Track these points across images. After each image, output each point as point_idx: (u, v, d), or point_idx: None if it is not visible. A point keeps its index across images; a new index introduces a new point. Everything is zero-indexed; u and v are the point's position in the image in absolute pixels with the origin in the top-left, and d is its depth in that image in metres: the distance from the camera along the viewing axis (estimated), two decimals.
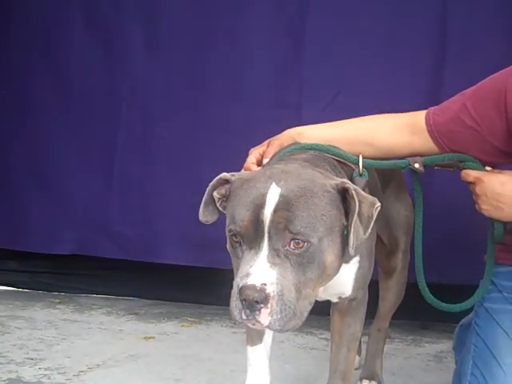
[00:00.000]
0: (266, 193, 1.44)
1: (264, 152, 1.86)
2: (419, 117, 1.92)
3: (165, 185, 3.30)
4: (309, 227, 1.43)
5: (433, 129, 1.89)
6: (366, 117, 2.00)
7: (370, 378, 2.27)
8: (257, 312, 1.37)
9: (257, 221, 1.42)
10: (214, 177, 3.15)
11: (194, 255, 3.28)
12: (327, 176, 1.57)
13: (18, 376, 2.23)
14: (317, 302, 1.55)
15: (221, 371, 2.39)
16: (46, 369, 2.32)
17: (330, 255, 1.48)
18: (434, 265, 3.14)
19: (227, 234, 1.49)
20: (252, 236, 1.42)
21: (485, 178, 1.80)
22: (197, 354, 2.63)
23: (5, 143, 3.54)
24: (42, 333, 2.83)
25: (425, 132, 1.89)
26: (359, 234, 1.50)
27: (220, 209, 1.61)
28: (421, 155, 1.89)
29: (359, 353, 2.56)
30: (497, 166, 1.89)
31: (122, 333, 2.93)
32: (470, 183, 1.84)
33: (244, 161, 1.88)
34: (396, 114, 1.98)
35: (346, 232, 1.51)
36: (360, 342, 2.56)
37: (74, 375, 2.27)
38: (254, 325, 1.41)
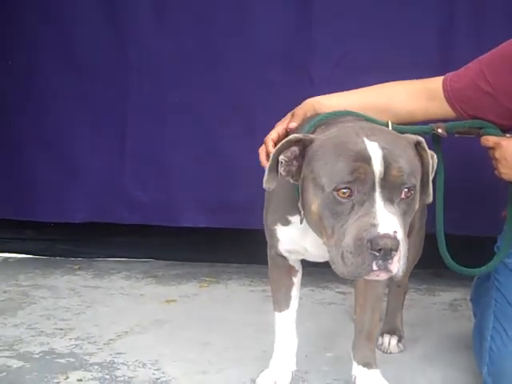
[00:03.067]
0: (366, 146, 1.48)
1: (289, 123, 1.89)
2: (436, 83, 1.96)
3: (178, 149, 3.30)
4: (413, 177, 1.50)
5: (450, 95, 1.92)
6: (382, 84, 2.03)
7: (392, 333, 2.34)
8: (389, 261, 1.43)
9: (369, 170, 1.45)
10: (228, 139, 3.18)
11: (210, 217, 3.31)
12: None
13: (51, 348, 2.29)
14: None
15: (246, 333, 2.46)
16: (76, 339, 2.38)
17: (418, 203, 1.57)
18: (449, 216, 3.21)
19: (326, 191, 1.48)
20: (366, 185, 1.45)
21: (504, 142, 1.86)
22: (219, 315, 2.70)
23: (14, 113, 3.51)
24: (66, 301, 2.89)
25: (442, 98, 1.93)
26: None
27: (283, 174, 1.59)
28: (437, 120, 1.94)
29: None
30: None
31: (143, 297, 2.99)
32: (490, 148, 1.89)
33: (265, 132, 1.90)
34: (411, 81, 2.02)
35: None
36: None
37: (105, 344, 2.33)
38: (378, 276, 1.46)
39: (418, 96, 1.97)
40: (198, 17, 3.20)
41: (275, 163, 1.58)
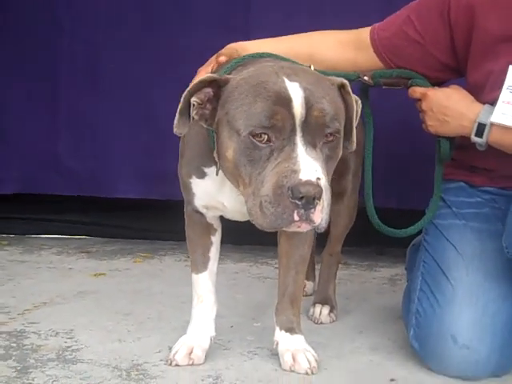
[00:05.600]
0: (286, 87, 1.37)
1: (213, 67, 1.78)
2: (364, 32, 1.89)
3: (114, 117, 3.20)
4: (337, 120, 1.41)
5: (377, 44, 1.86)
6: (310, 32, 1.95)
7: (323, 303, 2.24)
8: (312, 210, 1.33)
9: (288, 115, 1.35)
10: (164, 107, 3.07)
11: (146, 188, 3.23)
12: None
13: None
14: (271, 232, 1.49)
15: (171, 303, 2.34)
16: None
17: (341, 150, 1.47)
18: (392, 190, 3.13)
19: (242, 135, 1.37)
20: (285, 131, 1.35)
21: (430, 92, 1.80)
22: (148, 288, 2.58)
23: None
24: None
25: (369, 48, 1.86)
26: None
27: (195, 117, 1.47)
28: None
29: (313, 279, 2.54)
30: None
31: (71, 271, 2.85)
32: (417, 100, 1.82)
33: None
34: (341, 31, 1.94)
35: None
36: (314, 268, 2.55)
37: (19, 314, 2.18)
38: (299, 227, 1.36)
39: (346, 46, 1.89)
40: None
41: (187, 106, 1.46)
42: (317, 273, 2.46)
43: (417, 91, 1.83)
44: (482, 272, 1.73)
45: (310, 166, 1.33)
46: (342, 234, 2.28)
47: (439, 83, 1.91)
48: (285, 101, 1.35)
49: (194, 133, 1.61)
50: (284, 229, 1.39)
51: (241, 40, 2.95)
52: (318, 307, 2.22)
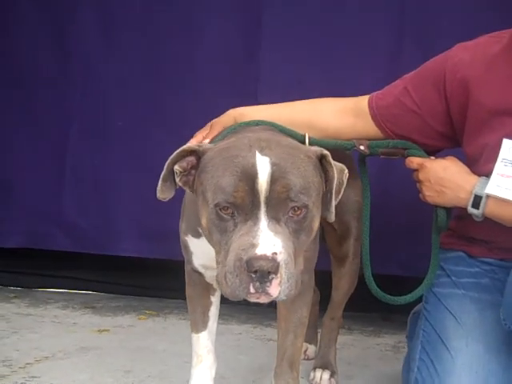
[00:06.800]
0: (255, 161, 1.40)
1: (207, 134, 1.84)
2: (362, 101, 1.93)
3: (120, 175, 3.24)
4: (305, 193, 1.42)
5: (375, 112, 1.90)
6: (311, 100, 2.00)
7: (324, 367, 2.24)
8: (268, 283, 1.34)
9: (252, 191, 1.38)
10: None
11: (151, 247, 3.23)
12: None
13: None
14: None
15: (173, 362, 2.35)
16: None
17: (317, 221, 1.49)
18: (396, 256, 3.14)
19: (210, 207, 1.42)
20: (248, 206, 1.38)
21: (427, 163, 1.82)
22: (151, 346, 2.59)
23: None
24: None
25: (368, 116, 1.90)
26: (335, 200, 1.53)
27: (179, 184, 1.53)
28: (365, 140, 1.89)
29: (315, 342, 2.53)
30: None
31: (75, 326, 2.87)
32: (414, 170, 1.85)
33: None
34: (340, 98, 1.99)
35: None
36: (316, 331, 2.54)
37: (20, 367, 2.20)
38: (258, 298, 1.37)
39: (344, 113, 1.93)
40: (145, 41, 3.19)
41: (171, 173, 1.53)
42: (319, 337, 2.45)
43: (414, 161, 1.86)
44: (482, 343, 1.73)
45: (268, 241, 1.35)
46: (344, 298, 2.28)
47: (437, 151, 1.95)
48: (250, 177, 1.39)
49: (192, 194, 1.65)
50: (246, 299, 1.40)
51: (249, 102, 3.06)
52: (318, 372, 2.22)
